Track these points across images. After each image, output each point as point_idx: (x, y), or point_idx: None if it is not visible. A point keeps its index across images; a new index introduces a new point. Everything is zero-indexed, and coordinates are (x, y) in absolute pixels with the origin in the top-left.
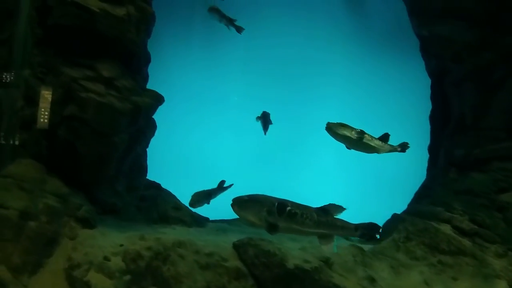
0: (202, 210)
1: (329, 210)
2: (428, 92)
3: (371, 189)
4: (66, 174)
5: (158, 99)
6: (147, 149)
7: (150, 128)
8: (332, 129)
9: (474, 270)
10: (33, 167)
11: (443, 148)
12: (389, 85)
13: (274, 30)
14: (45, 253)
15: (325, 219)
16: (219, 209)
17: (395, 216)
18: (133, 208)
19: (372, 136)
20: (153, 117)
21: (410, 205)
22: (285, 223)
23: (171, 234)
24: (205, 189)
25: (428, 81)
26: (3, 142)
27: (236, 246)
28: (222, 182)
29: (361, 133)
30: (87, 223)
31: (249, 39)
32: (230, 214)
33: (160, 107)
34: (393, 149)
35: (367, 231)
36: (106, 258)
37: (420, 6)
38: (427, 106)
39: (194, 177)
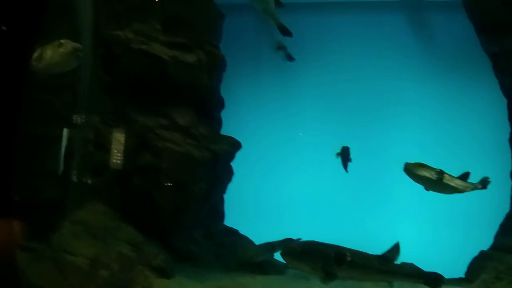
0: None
1: (390, 257)
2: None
3: (452, 222)
4: (141, 222)
5: (235, 145)
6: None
7: (227, 174)
8: (411, 170)
9: None
10: (105, 214)
11: None
12: (463, 107)
13: (342, 64)
14: None
15: (386, 267)
16: None
17: (482, 254)
18: (211, 255)
19: (451, 176)
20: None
21: (496, 239)
22: (344, 274)
23: (250, 284)
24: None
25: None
26: (73, 186)
27: None
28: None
29: (441, 173)
30: (163, 273)
31: (318, 75)
32: None
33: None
34: (474, 187)
35: (431, 280)
36: None
37: (487, 21)
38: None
39: (272, 222)
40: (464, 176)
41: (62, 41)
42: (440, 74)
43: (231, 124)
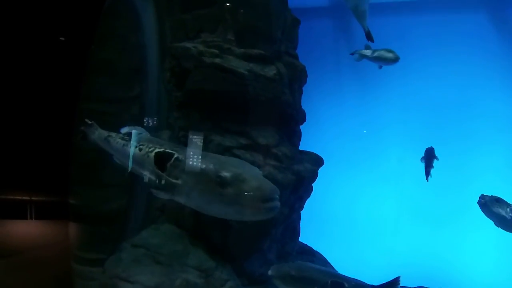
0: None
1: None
2: None
3: None
4: (213, 246)
5: (318, 163)
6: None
7: (307, 192)
8: (488, 205)
9: None
10: (172, 236)
11: None
12: None
13: (427, 72)
14: None
15: None
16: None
17: None
18: None
19: None
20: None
21: None
22: None
23: None
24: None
25: None
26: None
27: None
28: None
29: None
30: None
31: (402, 85)
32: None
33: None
34: None
35: None
36: None
37: None
38: None
39: (347, 239)
40: None
41: None
42: None
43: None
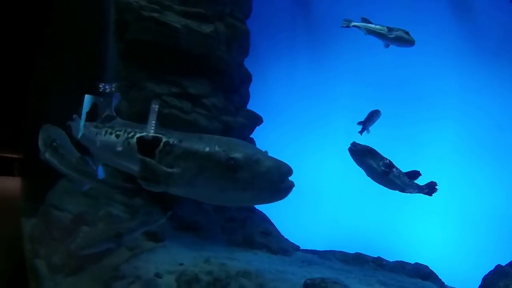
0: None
1: None
2: None
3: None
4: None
5: (254, 120)
6: None
7: None
8: (357, 153)
9: None
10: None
11: None
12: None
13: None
14: (90, 259)
15: None
16: (315, 238)
17: (498, 268)
18: (218, 228)
19: (400, 172)
20: (252, 137)
21: None
22: None
23: (247, 259)
24: None
25: None
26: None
27: (306, 286)
28: None
29: (389, 166)
30: (153, 236)
31: (357, 58)
32: (325, 245)
33: (268, 129)
34: (419, 190)
35: None
36: (158, 275)
37: None
38: None
39: (295, 205)
40: (413, 175)
41: None
42: (483, 63)
43: (264, 100)
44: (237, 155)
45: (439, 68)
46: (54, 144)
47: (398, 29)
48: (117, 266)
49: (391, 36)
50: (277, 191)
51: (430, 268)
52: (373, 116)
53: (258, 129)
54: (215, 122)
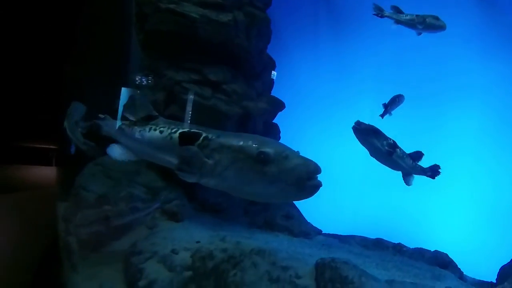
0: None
1: None
2: None
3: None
4: (168, 171)
5: (276, 105)
6: None
7: (271, 134)
8: (361, 132)
9: None
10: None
11: None
12: None
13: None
14: (113, 236)
15: None
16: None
17: None
18: (240, 210)
19: (404, 153)
20: (275, 122)
21: None
22: None
23: (266, 240)
24: None
25: None
26: None
27: (317, 265)
28: None
29: (393, 146)
30: (173, 216)
31: (379, 43)
32: (346, 231)
33: (292, 114)
34: (422, 172)
35: None
36: (174, 251)
37: None
38: None
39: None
40: (416, 156)
41: None
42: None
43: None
44: (268, 149)
45: (464, 50)
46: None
47: (427, 16)
48: (135, 243)
49: (421, 26)
50: (303, 188)
51: (450, 257)
52: (395, 101)
53: (283, 114)
54: (235, 107)
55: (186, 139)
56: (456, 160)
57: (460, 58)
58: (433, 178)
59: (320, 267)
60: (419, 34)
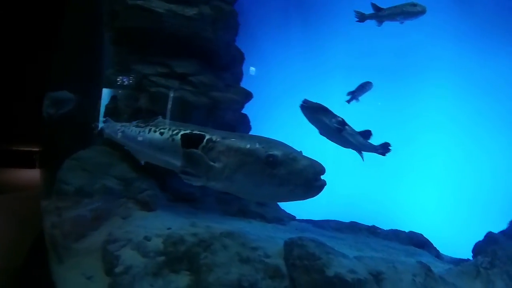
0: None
1: None
2: None
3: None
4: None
5: (244, 95)
6: None
7: (241, 123)
8: (309, 110)
9: None
10: (102, 153)
11: None
12: (500, 74)
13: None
14: (92, 227)
15: None
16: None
17: (488, 236)
18: (213, 199)
19: (353, 130)
20: (245, 113)
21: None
22: None
23: (239, 226)
24: None
25: None
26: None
27: (285, 244)
28: None
29: (342, 123)
30: (146, 206)
31: (351, 30)
32: (320, 215)
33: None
34: (372, 149)
35: None
36: (147, 238)
37: None
38: None
39: None
40: (365, 135)
41: None
42: (478, 36)
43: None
44: (276, 152)
45: (434, 38)
46: None
47: (404, 5)
48: (111, 231)
49: (401, 17)
50: (311, 188)
51: (425, 236)
52: (364, 87)
53: (254, 105)
54: (203, 97)
55: (189, 141)
56: (429, 139)
57: (433, 44)
58: (384, 155)
59: (288, 246)
60: (402, 23)
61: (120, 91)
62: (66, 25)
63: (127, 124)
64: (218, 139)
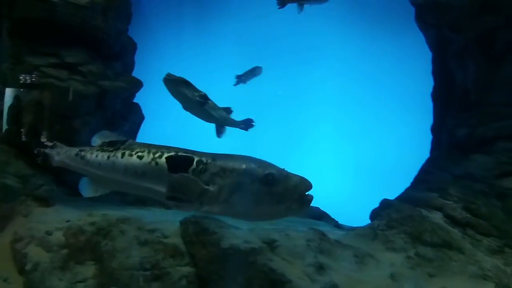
0: None
1: None
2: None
3: (374, 176)
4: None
5: (134, 84)
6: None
7: (132, 113)
8: (172, 83)
9: (458, 266)
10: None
11: (446, 128)
12: (388, 62)
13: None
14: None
15: None
16: None
17: (383, 202)
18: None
19: (216, 105)
20: (136, 102)
21: (405, 191)
22: None
23: (138, 214)
24: None
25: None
26: None
27: (181, 223)
28: None
29: (204, 97)
30: (44, 202)
31: (242, 21)
32: None
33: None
34: (235, 124)
35: None
36: (48, 233)
37: None
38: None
39: None
40: (227, 111)
41: None
42: (364, 28)
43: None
44: (272, 171)
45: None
46: None
47: None
48: (15, 230)
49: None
50: (304, 203)
51: (322, 210)
52: (252, 71)
53: (148, 94)
54: (91, 86)
55: (177, 164)
56: (331, 121)
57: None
58: (246, 130)
59: (184, 224)
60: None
61: (21, 89)
62: None
63: (87, 148)
64: (209, 161)
